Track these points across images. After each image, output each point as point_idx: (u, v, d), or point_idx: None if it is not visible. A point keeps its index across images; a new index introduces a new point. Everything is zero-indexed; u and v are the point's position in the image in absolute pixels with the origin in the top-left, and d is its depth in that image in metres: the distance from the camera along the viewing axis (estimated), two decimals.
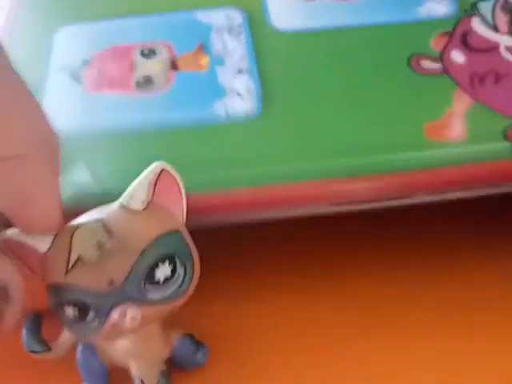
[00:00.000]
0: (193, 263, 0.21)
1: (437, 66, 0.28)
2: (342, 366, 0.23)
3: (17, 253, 0.21)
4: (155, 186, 0.20)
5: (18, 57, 0.21)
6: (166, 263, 0.20)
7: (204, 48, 0.29)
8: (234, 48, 0.29)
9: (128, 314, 0.19)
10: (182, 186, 0.21)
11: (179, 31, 0.30)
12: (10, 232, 0.21)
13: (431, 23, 0.29)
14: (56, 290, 0.20)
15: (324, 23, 0.30)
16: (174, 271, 0.20)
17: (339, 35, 0.29)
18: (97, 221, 0.20)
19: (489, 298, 0.25)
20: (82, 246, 0.19)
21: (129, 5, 0.32)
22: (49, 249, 0.20)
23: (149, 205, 0.20)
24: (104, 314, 0.20)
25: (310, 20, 0.30)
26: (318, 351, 0.24)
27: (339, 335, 0.24)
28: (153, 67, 0.28)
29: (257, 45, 0.29)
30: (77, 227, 0.19)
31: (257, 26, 0.30)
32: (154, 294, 0.20)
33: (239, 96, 0.27)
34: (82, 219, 0.20)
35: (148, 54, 0.29)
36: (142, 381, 0.22)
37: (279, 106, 0.27)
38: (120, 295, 0.19)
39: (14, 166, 0.19)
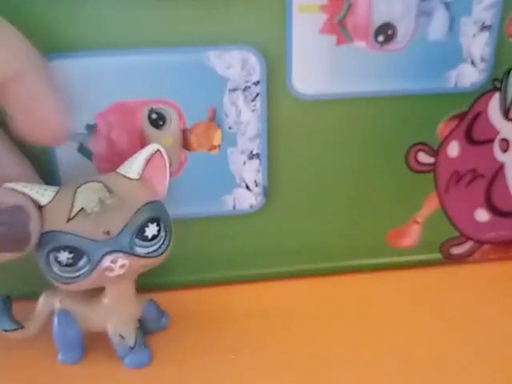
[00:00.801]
0: (171, 229, 0.24)
1: (431, 160, 0.30)
2: None
3: None
4: (148, 162, 0.24)
5: None
6: (154, 224, 0.23)
7: (216, 115, 0.26)
8: (247, 121, 0.27)
9: (118, 262, 0.23)
10: (168, 167, 0.25)
11: (189, 86, 0.26)
12: (13, 184, 0.22)
13: (451, 98, 0.28)
14: (53, 236, 0.22)
15: (347, 89, 0.27)
16: (158, 232, 0.23)
17: (358, 105, 0.28)
18: (99, 181, 0.23)
19: None
20: (85, 200, 0.22)
21: (130, 37, 0.25)
22: (50, 202, 0.23)
23: (140, 176, 0.24)
24: (96, 261, 0.22)
25: (333, 80, 0.27)
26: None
27: None
28: (164, 141, 0.26)
29: (271, 116, 0.27)
30: (80, 184, 0.23)
31: (275, 86, 0.27)
32: (141, 249, 0.23)
33: (247, 189, 0.28)
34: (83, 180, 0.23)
35: (156, 120, 0.26)
36: (121, 335, 0.25)
37: (281, 200, 0.29)
38: (113, 245, 0.22)
39: (18, 85, 0.21)
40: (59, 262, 0.22)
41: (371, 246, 0.31)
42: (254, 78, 0.26)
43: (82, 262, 0.22)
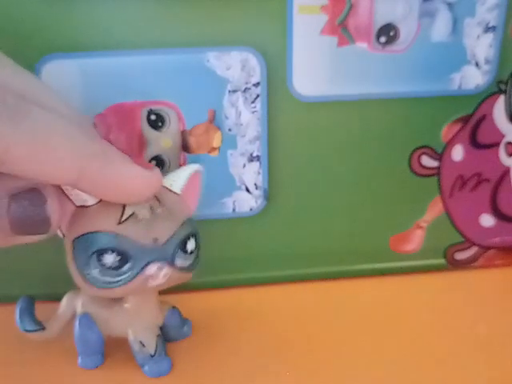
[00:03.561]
0: (200, 247, 0.24)
1: (435, 164, 0.29)
2: None
3: None
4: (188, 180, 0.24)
5: None
6: (193, 239, 0.23)
7: (215, 117, 0.26)
8: (247, 123, 0.27)
9: (163, 270, 0.22)
10: (201, 188, 0.25)
11: (188, 87, 0.25)
12: None
13: (455, 100, 0.28)
14: (101, 237, 0.22)
15: (348, 91, 0.27)
16: (195, 247, 0.24)
17: (359, 107, 0.27)
18: None
19: None
20: (137, 206, 0.22)
21: (129, 37, 0.24)
22: (97, 202, 0.22)
23: (181, 191, 0.24)
24: (140, 267, 0.22)
25: (334, 82, 0.27)
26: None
27: None
28: (163, 143, 0.26)
29: (271, 118, 0.27)
30: None
31: (275, 87, 0.26)
32: (180, 261, 0.23)
33: (247, 192, 0.28)
34: None
35: (155, 121, 0.26)
36: (141, 343, 0.25)
37: (281, 203, 0.29)
38: (158, 253, 0.22)
39: (87, 182, 0.20)
40: (103, 265, 0.22)
41: (373, 251, 0.30)
42: (254, 80, 0.26)
43: (126, 267, 0.22)
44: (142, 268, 0.22)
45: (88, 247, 0.22)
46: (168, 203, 0.23)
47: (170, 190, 0.23)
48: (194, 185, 0.24)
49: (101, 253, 0.22)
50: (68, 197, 0.22)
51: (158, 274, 0.22)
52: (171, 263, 0.22)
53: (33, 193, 0.20)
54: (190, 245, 0.23)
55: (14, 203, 0.20)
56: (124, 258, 0.22)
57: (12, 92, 0.18)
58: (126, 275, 0.22)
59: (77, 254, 0.22)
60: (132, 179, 0.21)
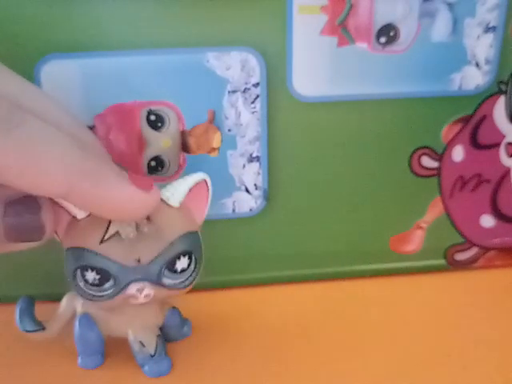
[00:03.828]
0: (201, 261, 0.24)
1: (435, 165, 0.29)
2: None
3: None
4: (191, 190, 0.23)
5: None
6: (186, 257, 0.23)
7: (215, 117, 0.26)
8: (247, 123, 0.27)
9: (144, 291, 0.22)
10: (210, 197, 0.24)
11: (188, 88, 0.25)
12: None
13: (456, 101, 0.28)
14: (83, 254, 0.22)
15: (348, 91, 0.27)
16: (188, 266, 0.23)
17: (359, 107, 0.27)
18: None
19: None
20: (122, 224, 0.22)
21: (128, 37, 0.24)
22: (86, 216, 0.22)
23: (181, 204, 0.23)
24: (121, 286, 0.22)
25: (334, 82, 0.27)
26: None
27: None
28: (163, 143, 0.26)
29: (271, 119, 0.27)
30: None
31: (275, 88, 0.26)
32: (168, 280, 0.23)
33: (247, 192, 0.28)
34: None
35: (155, 121, 0.26)
36: (141, 343, 0.24)
37: (281, 203, 0.29)
38: (141, 273, 0.22)
39: (77, 199, 0.20)
40: (85, 280, 0.22)
41: (373, 251, 0.30)
42: (254, 80, 0.26)
43: (107, 285, 0.22)
44: (124, 287, 0.22)
45: (74, 261, 0.22)
46: (159, 220, 0.22)
47: (167, 204, 0.22)
48: (199, 194, 0.23)
49: (83, 269, 0.22)
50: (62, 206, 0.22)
51: (138, 295, 0.22)
52: (157, 283, 0.22)
53: (28, 200, 0.21)
54: (181, 263, 0.22)
55: (9, 210, 0.20)
56: (104, 277, 0.22)
57: (6, 99, 0.18)
58: (108, 292, 0.22)
59: (67, 264, 0.22)
60: (124, 201, 0.20)
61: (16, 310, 0.25)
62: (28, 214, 0.20)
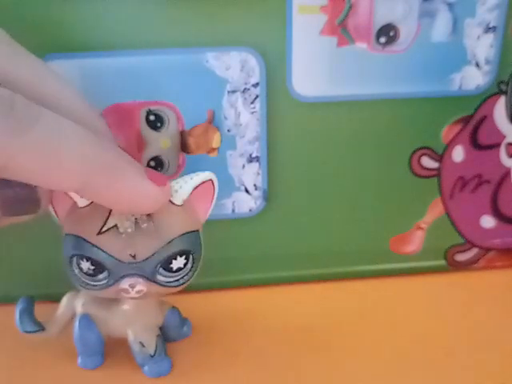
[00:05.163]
0: (199, 261, 0.23)
1: (435, 165, 0.29)
2: None
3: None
4: (196, 188, 0.22)
5: None
6: (183, 257, 0.22)
7: (215, 117, 0.26)
8: (247, 123, 0.27)
9: (136, 287, 0.22)
10: (215, 196, 0.23)
11: (187, 88, 0.25)
12: None
13: (456, 101, 0.28)
14: (80, 243, 0.22)
15: (348, 91, 0.27)
16: (184, 265, 0.23)
17: (359, 108, 0.27)
18: None
19: None
20: (121, 218, 0.21)
21: (127, 37, 0.24)
22: (87, 205, 0.22)
23: (184, 202, 0.22)
24: (115, 278, 0.22)
25: (334, 83, 0.27)
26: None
27: None
28: (162, 143, 0.26)
29: (271, 119, 0.27)
30: None
31: (274, 88, 0.26)
32: (162, 278, 0.22)
33: (247, 193, 0.28)
34: None
35: (154, 121, 0.26)
36: (141, 343, 0.24)
37: (281, 203, 0.28)
38: (135, 269, 0.22)
39: (90, 193, 0.20)
40: (80, 268, 0.22)
41: (373, 252, 0.30)
42: (254, 80, 0.26)
43: (101, 276, 0.22)
44: (117, 280, 0.22)
45: (70, 248, 0.22)
46: (159, 217, 0.22)
47: (170, 201, 0.22)
48: (204, 193, 0.23)
49: (79, 258, 0.22)
50: None
51: (130, 290, 0.22)
52: (151, 279, 0.22)
53: None
54: (177, 263, 0.22)
55: (5, 184, 0.20)
56: (98, 268, 0.22)
57: (21, 94, 0.18)
58: (101, 283, 0.22)
59: (64, 249, 0.22)
60: (139, 196, 0.20)
61: (16, 311, 0.25)
62: (24, 186, 0.20)
